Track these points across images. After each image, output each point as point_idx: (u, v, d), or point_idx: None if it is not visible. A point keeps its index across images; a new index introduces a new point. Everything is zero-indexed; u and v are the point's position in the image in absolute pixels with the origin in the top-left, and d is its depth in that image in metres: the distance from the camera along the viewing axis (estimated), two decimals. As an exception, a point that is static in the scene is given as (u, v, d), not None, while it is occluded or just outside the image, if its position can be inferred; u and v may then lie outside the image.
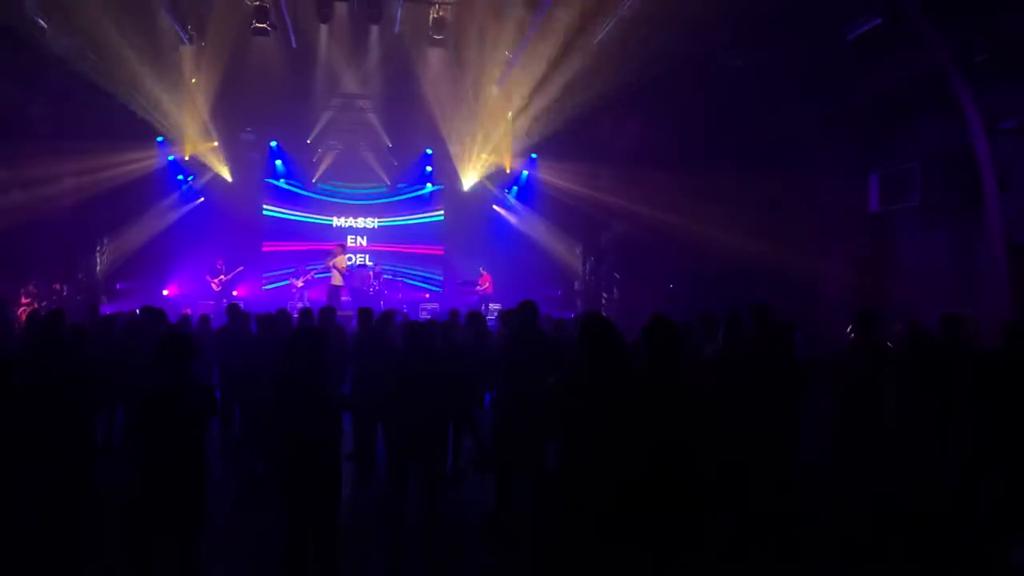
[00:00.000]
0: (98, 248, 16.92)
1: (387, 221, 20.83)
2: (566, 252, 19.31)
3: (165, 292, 18.06)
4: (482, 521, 6.25)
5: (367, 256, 20.36)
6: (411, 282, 20.30)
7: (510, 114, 18.23)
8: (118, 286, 17.14)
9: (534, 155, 19.06)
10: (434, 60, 16.80)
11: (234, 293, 17.04)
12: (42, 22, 12.98)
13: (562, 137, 17.60)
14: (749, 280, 13.15)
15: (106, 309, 12.82)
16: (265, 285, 19.52)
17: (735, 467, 5.22)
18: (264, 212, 20.12)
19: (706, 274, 14.92)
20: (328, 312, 8.93)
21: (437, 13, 14.82)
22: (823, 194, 13.87)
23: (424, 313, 16.72)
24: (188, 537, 4.41)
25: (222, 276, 17.11)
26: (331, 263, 16.47)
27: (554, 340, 7.19)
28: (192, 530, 4.42)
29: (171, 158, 17.85)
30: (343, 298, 16.09)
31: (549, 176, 18.94)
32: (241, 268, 17.68)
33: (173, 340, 4.48)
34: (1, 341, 8.20)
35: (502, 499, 6.10)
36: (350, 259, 18.17)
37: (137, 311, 11.41)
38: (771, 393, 5.81)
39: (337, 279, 16.44)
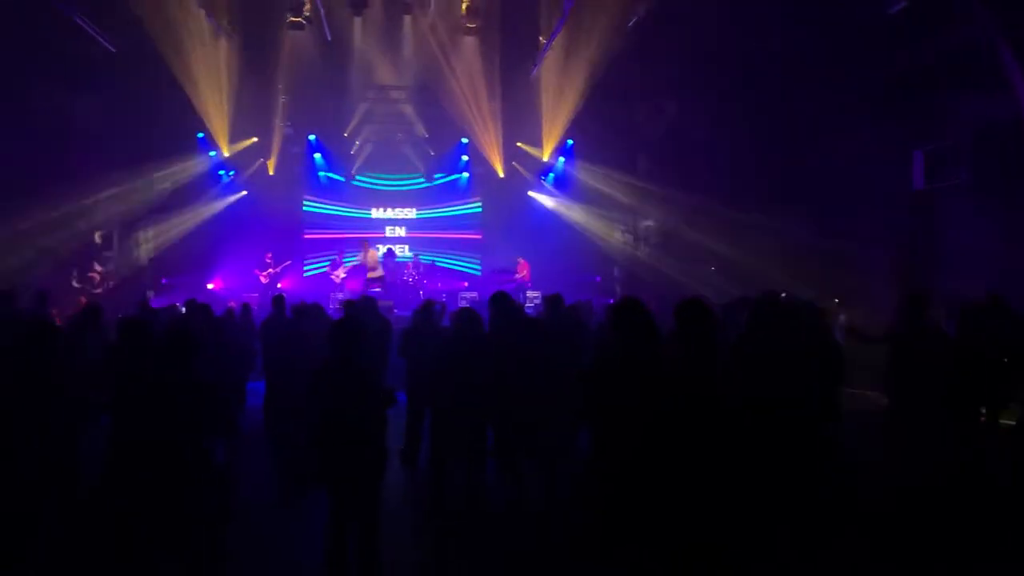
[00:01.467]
0: (138, 237, 17.27)
1: (425, 213, 20.92)
2: (604, 238, 19.20)
3: (210, 286, 18.36)
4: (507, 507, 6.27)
5: (406, 246, 20.48)
6: (450, 266, 20.43)
7: (545, 100, 18.14)
8: (163, 280, 17.49)
9: (570, 141, 18.95)
10: (467, 48, 16.80)
11: (278, 286, 17.26)
12: (84, 23, 13.27)
13: (598, 122, 17.48)
14: (788, 263, 12.96)
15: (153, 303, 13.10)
16: (305, 272, 19.75)
17: (772, 453, 5.07)
18: (304, 208, 20.34)
19: (745, 258, 14.72)
20: (370, 302, 8.99)
21: (470, 1, 14.81)
22: (864, 171, 13.52)
23: (463, 301, 16.76)
24: (213, 529, 4.48)
25: (271, 269, 17.31)
26: (363, 260, 16.56)
27: (552, 323, 7.33)
28: (217, 522, 4.49)
29: (212, 154, 18.14)
30: (374, 289, 16.11)
31: (586, 162, 18.83)
32: (289, 262, 17.92)
33: (177, 336, 4.48)
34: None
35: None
36: (378, 248, 18.20)
37: (180, 305, 11.65)
38: (799, 377, 5.64)
39: (374, 272, 16.52)
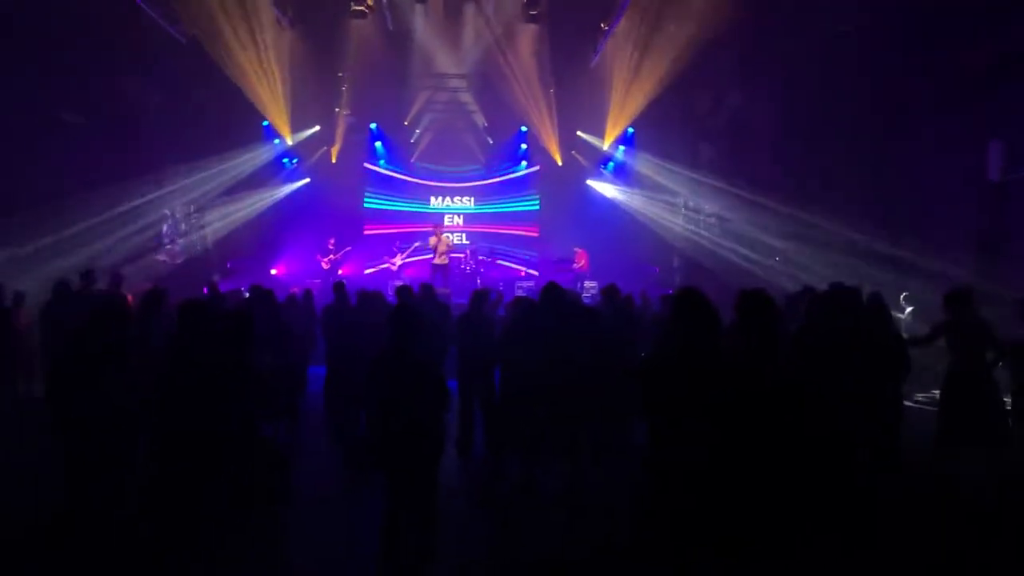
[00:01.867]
0: (203, 222, 17.77)
1: (483, 206, 20.97)
2: (664, 228, 18.97)
3: (273, 271, 18.76)
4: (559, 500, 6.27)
5: (463, 235, 20.58)
6: (507, 259, 20.43)
7: (605, 88, 17.96)
8: (228, 264, 17.93)
9: (631, 129, 18.74)
10: (527, 36, 16.74)
11: (339, 272, 17.52)
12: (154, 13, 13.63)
13: (660, 111, 17.24)
14: (854, 255, 12.61)
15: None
16: (367, 269, 20.02)
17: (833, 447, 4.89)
18: (365, 203, 20.61)
19: (808, 250, 14.37)
20: (428, 290, 9.06)
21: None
22: (936, 162, 13.01)
23: (520, 291, 16.78)
24: (273, 509, 4.58)
25: (332, 256, 17.57)
26: (434, 244, 16.61)
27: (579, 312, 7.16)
28: (277, 502, 4.59)
29: (276, 141, 18.51)
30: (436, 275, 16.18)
31: (646, 151, 18.61)
32: (350, 248, 18.16)
33: (234, 321, 4.56)
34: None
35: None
36: (451, 237, 18.28)
37: (244, 290, 11.93)
38: (859, 371, 5.47)
39: (441, 259, 16.57)
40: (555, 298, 6.34)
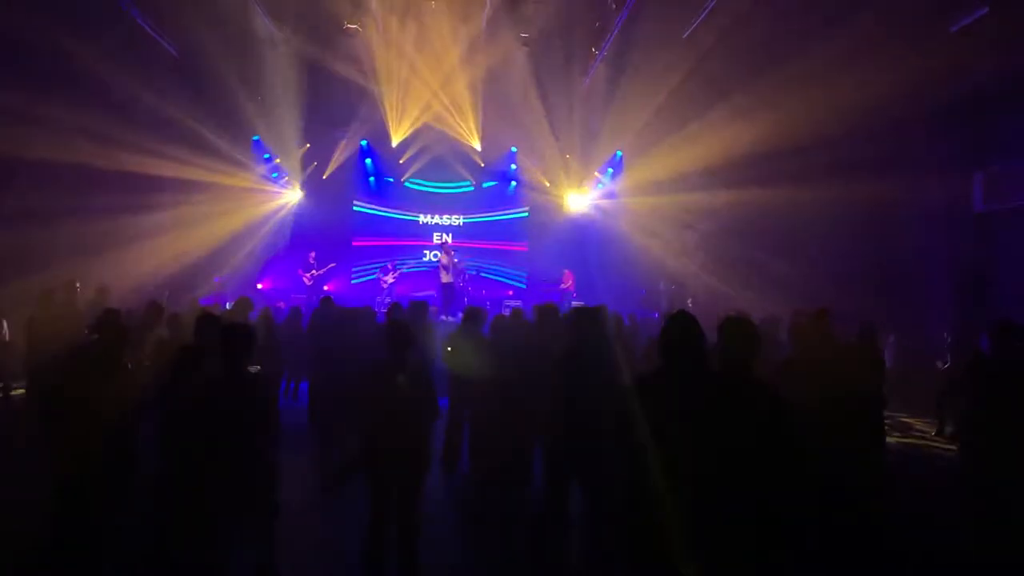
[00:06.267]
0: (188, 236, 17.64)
1: (472, 218, 21.05)
2: (652, 251, 19.07)
3: (260, 286, 18.71)
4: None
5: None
6: (495, 278, 20.50)
7: (595, 111, 18.14)
8: (215, 279, 17.85)
9: (619, 152, 18.91)
10: (520, 58, 16.88)
11: (325, 288, 17.48)
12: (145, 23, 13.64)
13: (648, 134, 17.40)
14: (841, 282, 12.72)
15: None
16: (353, 279, 20.02)
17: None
18: (354, 208, 20.62)
19: (795, 275, 14.47)
20: (421, 307, 9.04)
21: (524, 12, 14.90)
22: (921, 192, 13.19)
23: (506, 310, 16.80)
24: (263, 522, 4.57)
25: (313, 271, 17.52)
26: (448, 262, 16.82)
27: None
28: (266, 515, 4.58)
29: (266, 156, 18.53)
30: (428, 293, 16.23)
31: (634, 173, 18.76)
32: (334, 264, 18.12)
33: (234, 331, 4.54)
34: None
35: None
36: (436, 256, 18.39)
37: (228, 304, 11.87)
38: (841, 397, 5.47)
39: (447, 277, 16.79)
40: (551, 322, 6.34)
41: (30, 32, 11.57)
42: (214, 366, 4.40)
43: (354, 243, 20.53)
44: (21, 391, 9.85)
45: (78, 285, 9.51)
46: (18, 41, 11.56)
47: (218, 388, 4.28)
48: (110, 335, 4.86)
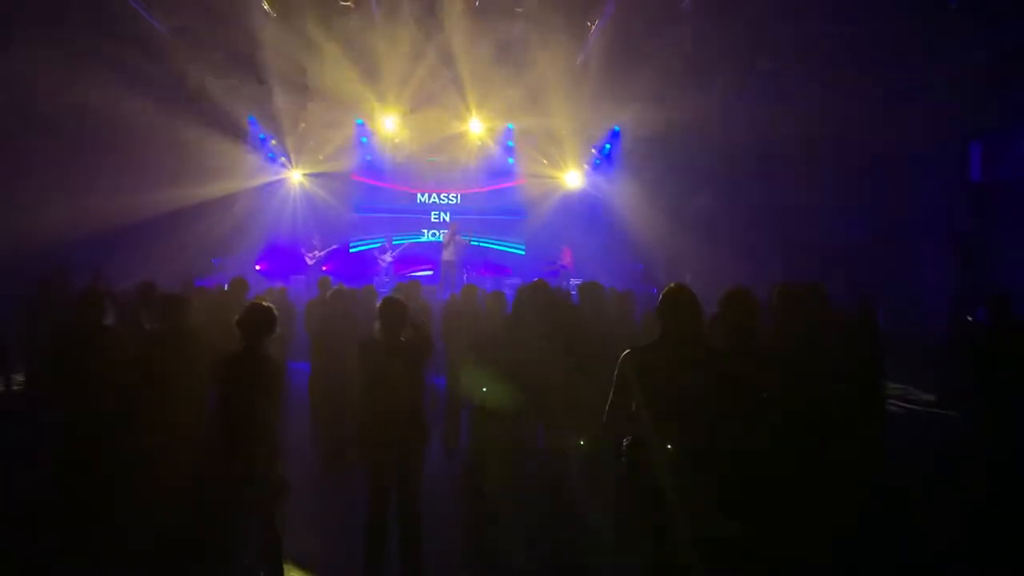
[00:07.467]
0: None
1: (470, 193, 20.97)
2: (650, 225, 18.99)
3: (258, 267, 18.66)
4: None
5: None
6: (495, 247, 20.56)
7: (592, 85, 17.96)
8: (214, 261, 17.80)
9: (617, 127, 18.77)
10: (515, 32, 16.67)
11: (323, 268, 17.45)
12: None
13: (646, 109, 17.26)
14: (839, 254, 12.69)
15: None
16: (352, 248, 19.97)
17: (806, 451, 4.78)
18: (352, 180, 20.54)
19: (795, 249, 14.44)
20: (414, 286, 9.02)
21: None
22: (919, 162, 13.13)
23: (505, 287, 16.76)
24: (266, 507, 4.56)
25: (316, 252, 17.51)
26: (447, 240, 16.95)
27: None
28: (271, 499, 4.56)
29: (262, 136, 18.40)
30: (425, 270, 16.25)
31: (632, 148, 18.63)
32: (336, 246, 18.10)
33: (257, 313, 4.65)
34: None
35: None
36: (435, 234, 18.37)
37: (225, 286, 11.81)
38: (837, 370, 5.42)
39: (447, 254, 16.93)
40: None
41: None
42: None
43: (352, 215, 20.46)
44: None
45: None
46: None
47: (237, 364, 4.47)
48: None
